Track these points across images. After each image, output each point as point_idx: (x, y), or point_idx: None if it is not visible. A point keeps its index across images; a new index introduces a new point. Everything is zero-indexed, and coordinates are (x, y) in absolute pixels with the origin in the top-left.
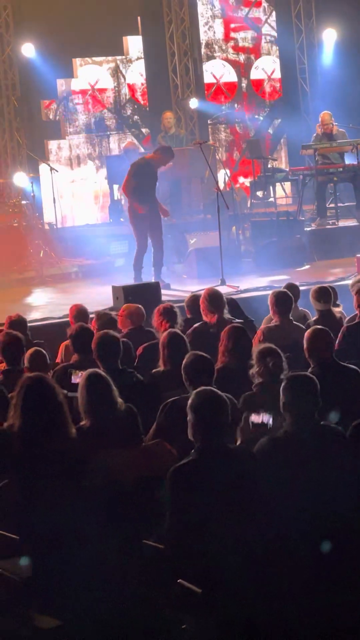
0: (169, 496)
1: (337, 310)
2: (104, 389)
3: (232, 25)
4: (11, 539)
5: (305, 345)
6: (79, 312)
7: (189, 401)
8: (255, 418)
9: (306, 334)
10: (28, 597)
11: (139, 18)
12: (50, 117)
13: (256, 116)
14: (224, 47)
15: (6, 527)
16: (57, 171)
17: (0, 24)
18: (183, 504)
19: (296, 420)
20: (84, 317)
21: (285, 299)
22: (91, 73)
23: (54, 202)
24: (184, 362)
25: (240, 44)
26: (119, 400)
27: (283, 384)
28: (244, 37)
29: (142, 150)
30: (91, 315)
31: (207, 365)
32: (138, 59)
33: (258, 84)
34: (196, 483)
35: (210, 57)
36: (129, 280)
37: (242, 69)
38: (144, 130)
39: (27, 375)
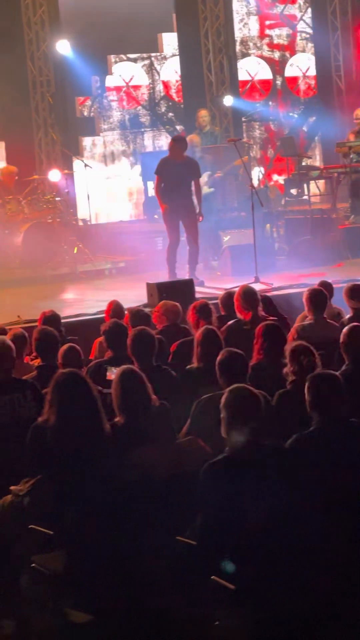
0: (202, 492)
1: None
2: (138, 385)
3: (267, 22)
4: (45, 534)
5: (342, 341)
6: (116, 309)
7: (223, 398)
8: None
9: (344, 331)
10: (62, 592)
11: (174, 15)
12: (85, 113)
13: (290, 114)
14: (258, 44)
15: (40, 522)
16: (91, 168)
17: (36, 22)
18: (215, 501)
19: (322, 419)
20: (121, 313)
21: (319, 297)
22: (126, 70)
23: (88, 198)
24: (218, 358)
25: (275, 41)
26: (153, 396)
27: (307, 383)
28: (279, 34)
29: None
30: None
31: (241, 362)
32: (173, 55)
33: (293, 81)
34: (229, 480)
35: (245, 54)
36: (162, 277)
37: (277, 66)
38: (178, 127)
39: (61, 371)
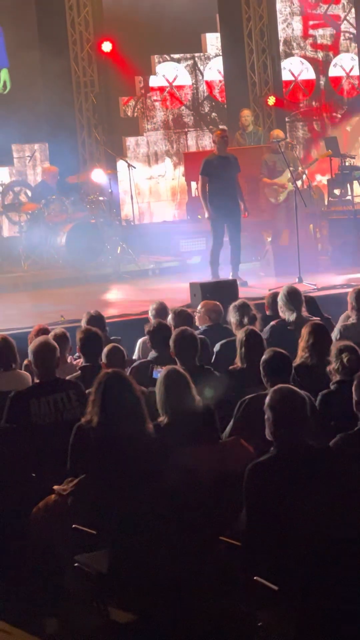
0: (246, 493)
1: None
2: (182, 385)
3: (311, 23)
4: (89, 534)
5: None
6: (160, 309)
7: (267, 399)
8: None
9: None
10: (105, 592)
11: (217, 15)
12: (128, 113)
13: (334, 114)
14: (302, 44)
15: (83, 521)
16: (134, 168)
17: (80, 22)
18: (261, 501)
19: None
20: (164, 313)
21: None
22: (169, 70)
23: (132, 198)
24: (263, 358)
25: (319, 41)
26: (197, 397)
27: (355, 382)
28: (323, 35)
29: None
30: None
31: (285, 362)
32: (216, 56)
33: (336, 81)
34: (274, 480)
35: (288, 55)
36: (206, 277)
37: (320, 67)
38: (221, 127)
39: (105, 371)
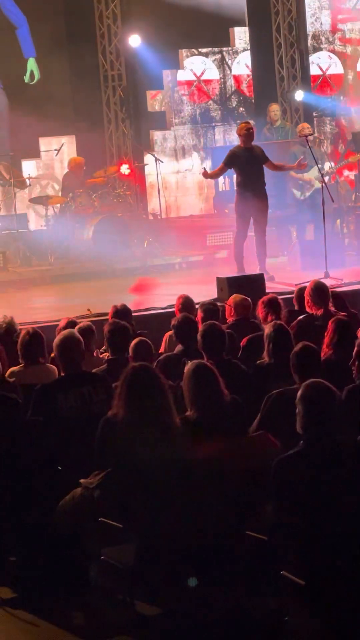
0: (274, 486)
1: None
2: (210, 380)
3: (340, 17)
4: (115, 527)
5: None
6: (186, 303)
7: (299, 392)
8: None
9: None
10: (131, 585)
11: (246, 9)
12: (156, 107)
13: None
14: (330, 39)
15: (110, 515)
16: (162, 162)
17: (108, 15)
18: (288, 494)
19: None
20: (191, 307)
21: None
22: (197, 64)
23: (159, 192)
24: (293, 352)
25: (347, 35)
26: (225, 391)
27: None
28: (351, 29)
29: None
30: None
31: (316, 356)
32: (244, 50)
33: None
34: (303, 474)
35: (316, 49)
36: (232, 271)
37: (349, 61)
38: (245, 120)
39: (132, 364)
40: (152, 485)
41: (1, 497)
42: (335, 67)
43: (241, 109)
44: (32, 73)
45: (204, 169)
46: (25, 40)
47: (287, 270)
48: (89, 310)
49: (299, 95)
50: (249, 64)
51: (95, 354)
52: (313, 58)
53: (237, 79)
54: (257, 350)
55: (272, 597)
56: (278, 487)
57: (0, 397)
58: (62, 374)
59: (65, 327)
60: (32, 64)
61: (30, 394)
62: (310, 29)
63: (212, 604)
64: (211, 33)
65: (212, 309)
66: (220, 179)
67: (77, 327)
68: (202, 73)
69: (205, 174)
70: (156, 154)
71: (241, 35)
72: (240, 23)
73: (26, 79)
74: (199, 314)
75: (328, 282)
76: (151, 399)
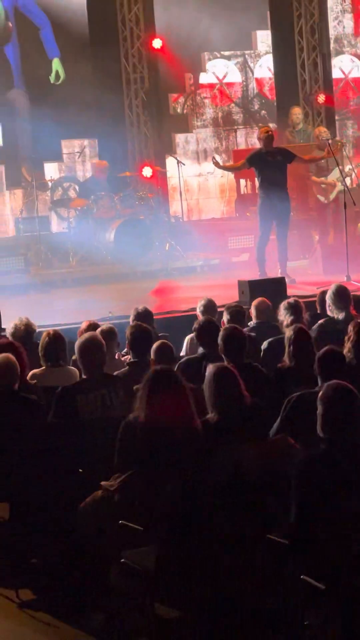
0: (296, 488)
1: None
2: (231, 382)
3: None
4: (136, 530)
5: None
6: (208, 306)
7: (320, 393)
8: None
9: None
10: (151, 588)
11: (268, 12)
12: (178, 110)
13: None
14: (353, 42)
15: (131, 517)
16: (184, 164)
17: (131, 18)
18: (310, 496)
19: None
20: (213, 311)
21: None
22: (219, 67)
23: (181, 195)
24: (319, 355)
25: None
26: (246, 394)
27: None
28: None
29: None
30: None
31: (341, 359)
32: (266, 53)
33: None
34: (324, 475)
35: (339, 52)
36: (254, 274)
37: None
38: (271, 125)
39: (154, 367)
40: (172, 489)
41: (22, 499)
42: (357, 70)
43: (263, 112)
44: (57, 73)
45: (214, 157)
46: (49, 41)
47: (309, 274)
48: (110, 312)
49: (321, 98)
50: (271, 67)
51: (116, 357)
52: (335, 61)
53: (259, 82)
54: (278, 353)
55: (292, 602)
56: (301, 487)
57: (21, 399)
58: (84, 376)
59: (87, 330)
60: (57, 64)
61: (51, 396)
62: (332, 33)
63: (232, 608)
64: (233, 36)
65: (238, 311)
66: (242, 182)
67: (99, 329)
68: (225, 76)
69: (216, 164)
70: (178, 156)
71: (263, 38)
72: (262, 26)
73: (52, 79)
74: (225, 316)
75: (350, 286)
76: (172, 402)
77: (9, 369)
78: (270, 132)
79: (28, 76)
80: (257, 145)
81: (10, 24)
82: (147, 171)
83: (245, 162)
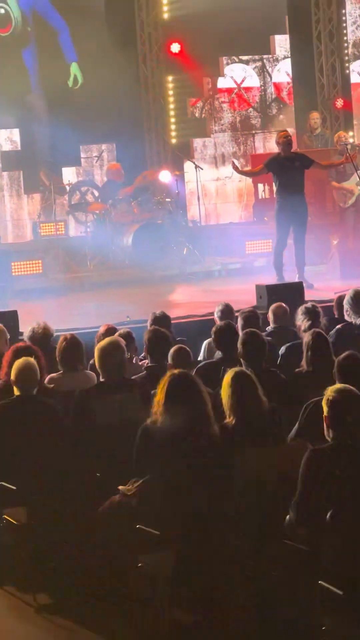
0: (304, 480)
1: None
2: (250, 387)
3: None
4: (153, 535)
5: None
6: (226, 310)
7: (326, 397)
8: None
9: None
10: (169, 592)
11: (286, 17)
12: (196, 115)
13: None
14: None
15: (148, 522)
16: (202, 169)
17: (149, 23)
18: (315, 490)
19: None
20: (230, 315)
21: None
22: (237, 71)
23: (198, 199)
24: (340, 359)
25: None
26: (264, 399)
27: None
28: None
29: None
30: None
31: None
32: (285, 58)
33: None
34: (330, 469)
35: (357, 57)
36: (271, 279)
37: None
38: (289, 129)
39: (172, 372)
40: (190, 493)
41: (40, 503)
42: None
43: (281, 116)
44: (75, 77)
45: (233, 161)
46: (67, 45)
47: (326, 279)
48: (128, 317)
49: (339, 103)
50: (290, 72)
51: (134, 361)
52: (353, 66)
53: (277, 86)
54: (296, 358)
55: (310, 607)
56: (306, 478)
57: (39, 403)
58: (102, 380)
59: (105, 334)
60: (75, 69)
61: (68, 400)
62: (350, 37)
63: (249, 613)
64: (252, 40)
65: (252, 317)
66: (260, 186)
67: (117, 333)
68: (243, 80)
69: (236, 169)
70: (196, 161)
71: (282, 43)
72: (280, 31)
73: (70, 83)
74: (239, 322)
75: None
76: (190, 406)
77: (28, 373)
78: (288, 137)
79: (46, 81)
80: (275, 149)
81: (29, 28)
82: (165, 175)
83: (264, 167)
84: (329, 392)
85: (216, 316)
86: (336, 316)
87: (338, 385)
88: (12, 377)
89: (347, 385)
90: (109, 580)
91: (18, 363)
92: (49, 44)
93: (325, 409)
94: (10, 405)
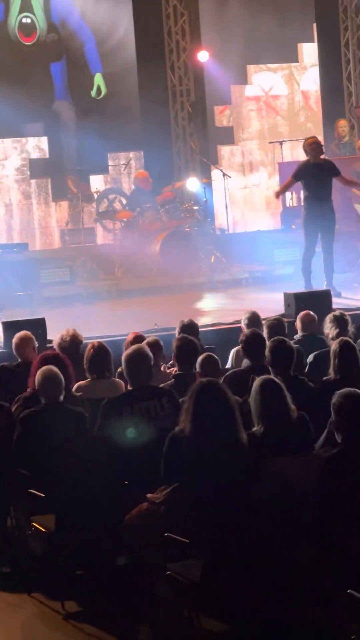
0: (316, 487)
1: None
2: (278, 395)
3: None
4: (181, 542)
5: None
6: (253, 318)
7: (333, 401)
8: None
9: None
10: (197, 601)
11: (314, 25)
12: (224, 123)
13: None
14: None
15: (176, 530)
16: (229, 177)
17: (177, 31)
18: (330, 496)
19: None
20: (258, 323)
21: None
22: (265, 79)
23: (226, 207)
24: None
25: None
26: (292, 407)
27: None
28: None
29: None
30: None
31: None
32: (312, 66)
33: None
34: (343, 474)
35: None
36: (299, 287)
37: None
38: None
39: (200, 380)
40: (218, 501)
41: (68, 511)
42: None
43: (309, 124)
44: (98, 88)
45: (275, 192)
46: (93, 56)
47: (354, 287)
48: (155, 324)
49: None
50: (317, 80)
51: (162, 369)
52: None
53: (305, 94)
54: (324, 366)
55: (341, 617)
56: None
57: (67, 411)
58: (130, 388)
59: (133, 342)
60: (99, 79)
61: (96, 408)
62: None
63: (277, 621)
64: (279, 49)
65: (277, 325)
66: (288, 194)
67: (145, 341)
68: (270, 89)
69: (277, 195)
70: (224, 169)
71: (309, 51)
72: (308, 39)
73: (93, 93)
74: (265, 330)
75: None
76: (218, 415)
77: (52, 380)
78: (318, 143)
79: (75, 89)
80: (303, 157)
81: (55, 37)
82: (192, 183)
83: (293, 179)
84: (335, 397)
85: (243, 324)
86: None
87: (344, 390)
88: (37, 385)
89: (352, 390)
90: (137, 589)
91: (41, 371)
92: (78, 54)
93: (332, 414)
94: (37, 413)
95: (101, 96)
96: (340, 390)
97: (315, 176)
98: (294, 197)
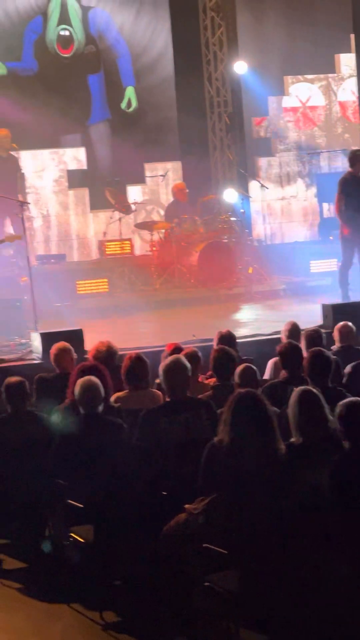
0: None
1: None
2: (316, 406)
3: None
4: (220, 553)
5: None
6: (292, 329)
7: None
8: None
9: None
10: (236, 612)
11: (352, 36)
12: (261, 134)
13: None
14: None
15: (215, 541)
16: (267, 188)
17: (215, 42)
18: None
19: None
20: (297, 334)
21: None
22: (303, 90)
23: (263, 218)
24: None
25: None
26: (330, 417)
27: None
28: None
29: None
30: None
31: None
32: (350, 76)
33: None
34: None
35: None
36: (337, 298)
37: None
38: (354, 148)
39: (239, 391)
40: (256, 512)
41: (107, 522)
42: None
43: (346, 135)
44: (129, 101)
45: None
46: (125, 69)
47: None
48: (193, 335)
49: None
50: (355, 91)
51: (200, 380)
52: None
53: (342, 105)
54: None
55: None
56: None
57: (105, 421)
58: (167, 399)
59: (171, 353)
60: (130, 93)
61: (135, 419)
62: None
63: (317, 632)
64: (317, 59)
65: (315, 336)
66: (325, 206)
67: (183, 352)
68: (308, 99)
69: (345, 231)
70: (261, 180)
71: (347, 61)
72: (346, 49)
73: (123, 105)
74: (302, 341)
75: None
76: (256, 425)
77: (92, 391)
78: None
79: (113, 100)
80: (340, 169)
81: (93, 49)
82: (230, 194)
83: (341, 195)
84: (338, 407)
85: (283, 335)
86: None
87: (347, 400)
88: (76, 396)
89: (355, 399)
90: (175, 599)
91: (80, 382)
92: (115, 66)
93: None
94: (75, 423)
95: (131, 109)
96: (344, 400)
97: (355, 188)
98: (331, 209)
